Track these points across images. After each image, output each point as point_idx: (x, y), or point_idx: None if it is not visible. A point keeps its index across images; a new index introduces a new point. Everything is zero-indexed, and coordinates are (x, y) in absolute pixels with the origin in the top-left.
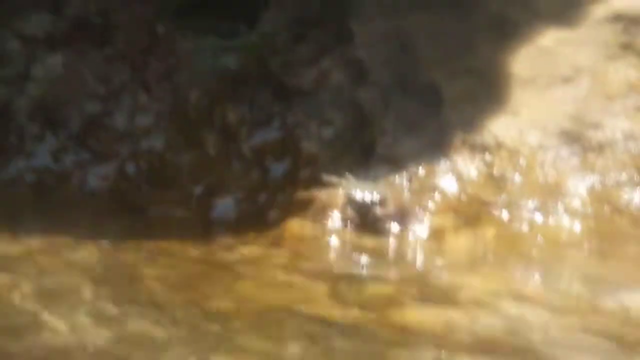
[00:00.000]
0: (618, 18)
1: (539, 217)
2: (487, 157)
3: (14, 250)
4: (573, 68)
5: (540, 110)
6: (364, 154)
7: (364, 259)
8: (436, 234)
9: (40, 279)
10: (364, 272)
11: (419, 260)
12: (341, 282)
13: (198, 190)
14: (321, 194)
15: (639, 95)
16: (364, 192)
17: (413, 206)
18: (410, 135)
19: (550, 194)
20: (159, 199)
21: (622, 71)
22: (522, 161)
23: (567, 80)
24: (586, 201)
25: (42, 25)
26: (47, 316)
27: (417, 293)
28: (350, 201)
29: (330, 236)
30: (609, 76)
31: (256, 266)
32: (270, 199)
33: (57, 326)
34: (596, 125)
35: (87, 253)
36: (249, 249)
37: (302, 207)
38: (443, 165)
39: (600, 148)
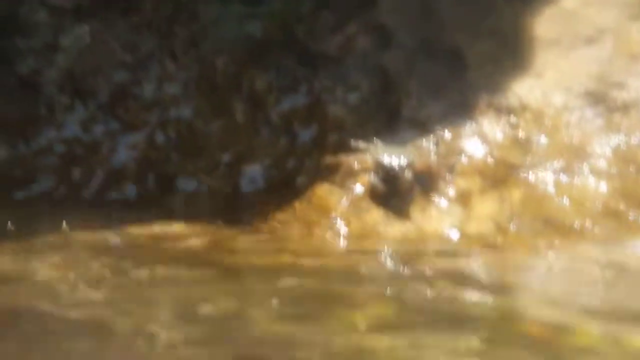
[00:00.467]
0: None
1: (564, 178)
2: (512, 119)
3: None
4: (596, 29)
5: (564, 72)
6: (390, 118)
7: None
8: (462, 197)
9: None
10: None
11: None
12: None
13: (226, 157)
14: (349, 159)
15: None
16: (391, 156)
17: (440, 169)
18: (436, 98)
19: (576, 155)
20: (187, 167)
21: None
22: (547, 122)
23: (590, 41)
24: (611, 161)
25: None
26: None
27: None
28: (378, 165)
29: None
30: (633, 36)
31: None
32: (298, 165)
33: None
34: (620, 86)
35: None
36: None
37: (330, 172)
38: (469, 128)
39: (625, 108)
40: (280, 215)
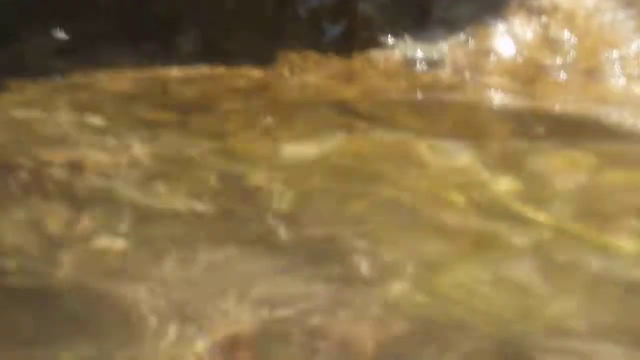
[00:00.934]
0: None
1: (595, 79)
2: (544, 19)
3: None
4: None
5: None
6: (420, 17)
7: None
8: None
9: None
10: None
11: None
12: None
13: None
14: (378, 54)
15: None
16: (420, 51)
17: (469, 67)
18: None
19: (607, 56)
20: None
21: None
22: (579, 24)
23: None
24: None
25: None
26: None
27: None
28: (407, 62)
29: None
30: None
31: None
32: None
33: None
34: None
35: None
36: None
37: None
38: (499, 27)
39: None
40: None
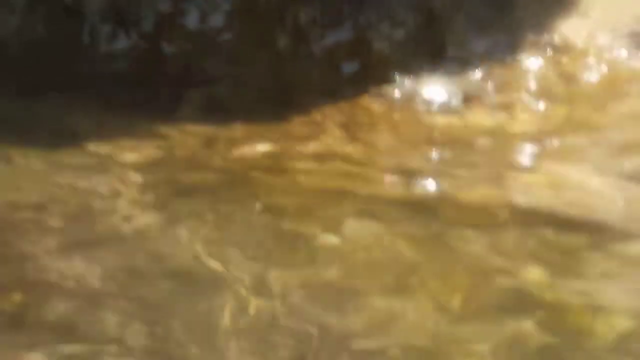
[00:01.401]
0: None
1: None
2: (557, 57)
3: None
4: None
5: (609, 12)
6: (434, 54)
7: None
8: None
9: None
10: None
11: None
12: None
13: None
14: (392, 90)
15: None
16: (435, 89)
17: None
18: (481, 35)
19: (619, 95)
20: None
21: None
22: (591, 62)
23: None
24: None
25: None
26: None
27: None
28: (420, 97)
29: None
30: None
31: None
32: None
33: None
34: None
35: None
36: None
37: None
38: (513, 64)
39: None
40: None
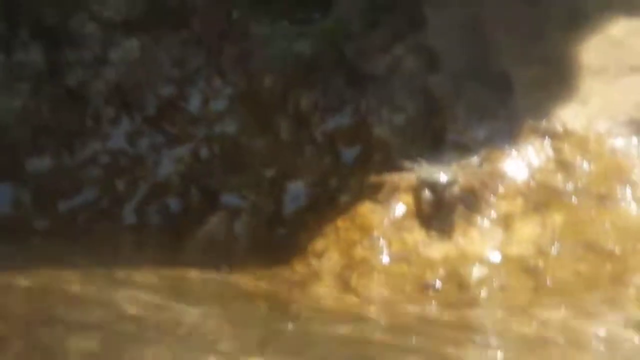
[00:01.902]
0: None
1: (607, 205)
2: (556, 144)
3: None
4: None
5: (609, 100)
6: (434, 140)
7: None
8: (504, 219)
9: None
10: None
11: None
12: None
13: (270, 174)
14: (393, 177)
15: None
16: (435, 175)
17: (482, 191)
18: (481, 122)
19: (619, 181)
20: (231, 183)
21: None
22: (591, 148)
23: (636, 69)
24: None
25: (119, 9)
26: None
27: None
28: (422, 183)
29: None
30: None
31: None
32: (342, 184)
33: None
34: None
35: None
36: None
37: (373, 191)
38: (513, 151)
39: None
40: (319, 244)
